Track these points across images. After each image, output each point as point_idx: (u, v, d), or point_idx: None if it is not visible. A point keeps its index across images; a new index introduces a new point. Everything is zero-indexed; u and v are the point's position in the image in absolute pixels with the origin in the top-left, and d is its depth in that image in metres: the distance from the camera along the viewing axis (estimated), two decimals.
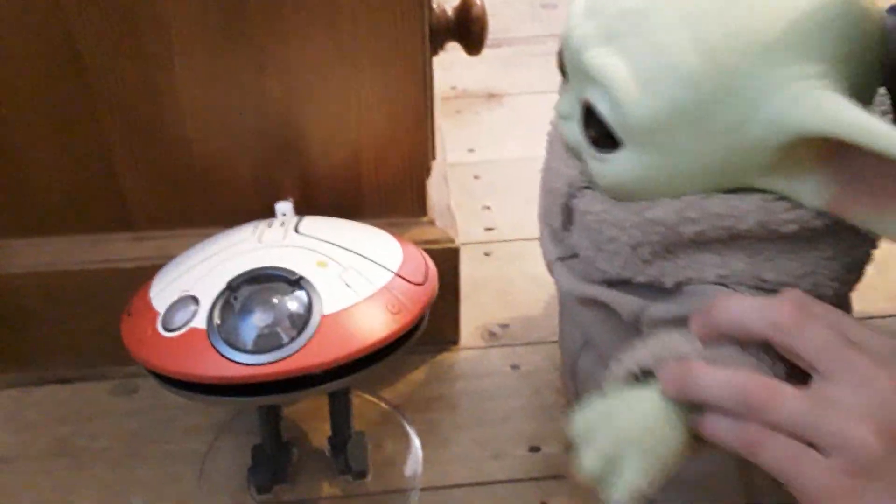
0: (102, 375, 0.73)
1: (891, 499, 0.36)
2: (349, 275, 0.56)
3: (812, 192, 0.42)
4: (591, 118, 0.46)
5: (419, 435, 0.69)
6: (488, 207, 0.91)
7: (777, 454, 0.38)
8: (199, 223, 0.68)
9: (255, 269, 0.55)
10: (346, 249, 0.58)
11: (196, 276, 0.57)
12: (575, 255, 0.53)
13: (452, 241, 0.70)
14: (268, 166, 0.67)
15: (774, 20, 0.41)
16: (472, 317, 0.78)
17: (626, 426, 0.43)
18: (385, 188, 0.69)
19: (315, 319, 0.53)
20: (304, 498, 0.65)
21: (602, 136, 0.46)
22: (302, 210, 0.66)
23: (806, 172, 0.42)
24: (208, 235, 0.63)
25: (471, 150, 0.98)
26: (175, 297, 0.55)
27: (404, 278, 0.58)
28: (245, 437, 0.68)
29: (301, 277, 0.55)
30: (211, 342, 0.53)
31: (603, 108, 0.45)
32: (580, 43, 0.46)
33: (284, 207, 0.64)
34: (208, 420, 0.70)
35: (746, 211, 0.43)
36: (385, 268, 0.58)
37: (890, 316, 0.79)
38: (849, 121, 0.38)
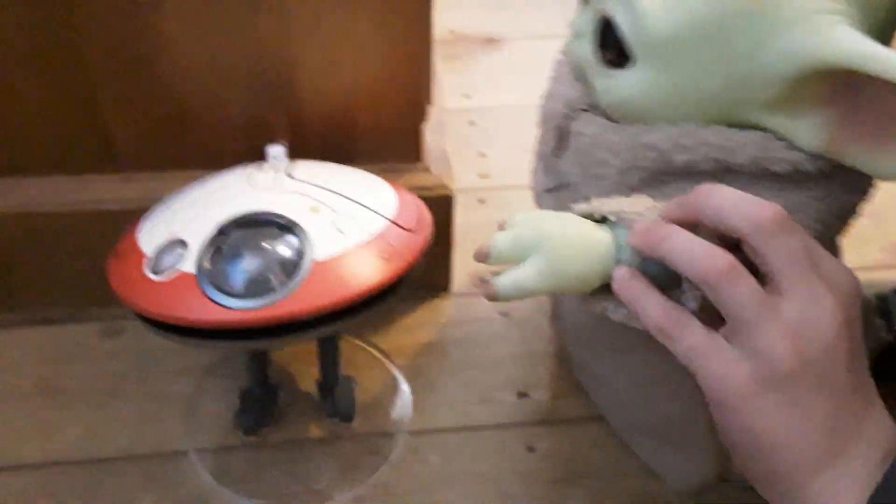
0: (88, 317, 0.72)
1: (786, 407, 0.38)
2: (342, 221, 0.55)
3: (811, 131, 0.43)
4: (606, 33, 0.46)
5: (407, 380, 0.69)
6: (483, 154, 0.90)
7: (692, 343, 0.39)
8: (186, 165, 0.67)
9: (245, 214, 0.54)
10: (339, 195, 0.57)
11: (185, 219, 0.56)
12: (563, 186, 0.53)
13: (447, 188, 0.70)
14: (259, 108, 0.65)
15: None
16: (464, 264, 0.78)
17: (549, 229, 0.45)
18: (380, 133, 0.68)
19: (306, 265, 0.53)
20: (291, 439, 0.65)
21: (614, 52, 0.46)
22: (294, 154, 0.64)
23: (807, 111, 0.43)
24: (196, 178, 0.61)
25: (467, 96, 0.97)
26: (163, 240, 0.54)
27: (398, 225, 0.57)
28: (232, 379, 0.67)
29: (292, 223, 0.54)
30: (200, 286, 0.52)
31: (622, 21, 0.45)
32: None
33: (276, 151, 0.62)
34: (194, 362, 0.69)
35: (743, 144, 0.44)
36: (379, 214, 0.57)
37: (886, 267, 0.79)
38: (866, 53, 0.39)
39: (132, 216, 0.61)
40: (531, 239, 0.45)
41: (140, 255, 0.54)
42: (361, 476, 0.62)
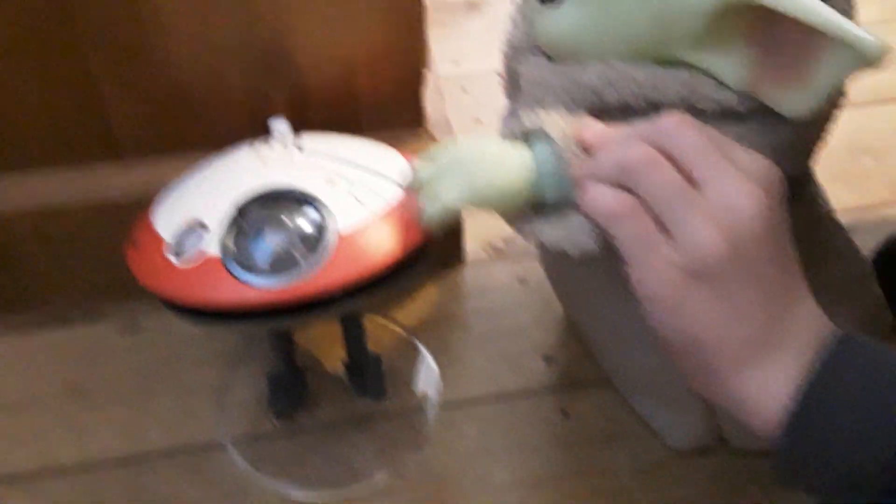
0: (104, 314, 0.71)
1: (715, 301, 0.39)
2: (360, 191, 0.54)
3: (734, 69, 0.43)
4: None
5: (433, 354, 0.68)
6: (479, 120, 0.89)
7: (633, 231, 0.40)
8: (189, 147, 0.65)
9: (262, 191, 0.53)
10: (353, 165, 0.56)
11: (201, 200, 0.54)
12: None
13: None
14: (258, 82, 0.64)
15: None
16: (476, 233, 0.77)
17: (466, 147, 0.48)
18: (381, 100, 0.67)
19: (330, 238, 0.52)
20: (324, 422, 0.64)
21: None
22: (297, 127, 0.63)
23: (731, 48, 0.43)
24: (199, 160, 0.60)
25: (455, 62, 0.96)
26: (182, 224, 0.53)
27: None
28: (258, 366, 0.66)
29: (311, 196, 0.53)
30: (226, 268, 0.51)
31: None
32: None
33: (280, 124, 0.61)
34: (217, 353, 0.68)
35: (670, 83, 0.44)
36: (395, 182, 0.57)
37: (892, 204, 0.78)
38: None
39: (139, 205, 0.59)
40: (449, 159, 0.48)
41: (159, 241, 0.53)
42: (400, 453, 0.62)
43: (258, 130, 0.61)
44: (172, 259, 0.52)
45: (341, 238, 0.52)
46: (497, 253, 0.77)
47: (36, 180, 0.66)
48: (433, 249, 0.58)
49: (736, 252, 0.38)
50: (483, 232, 0.77)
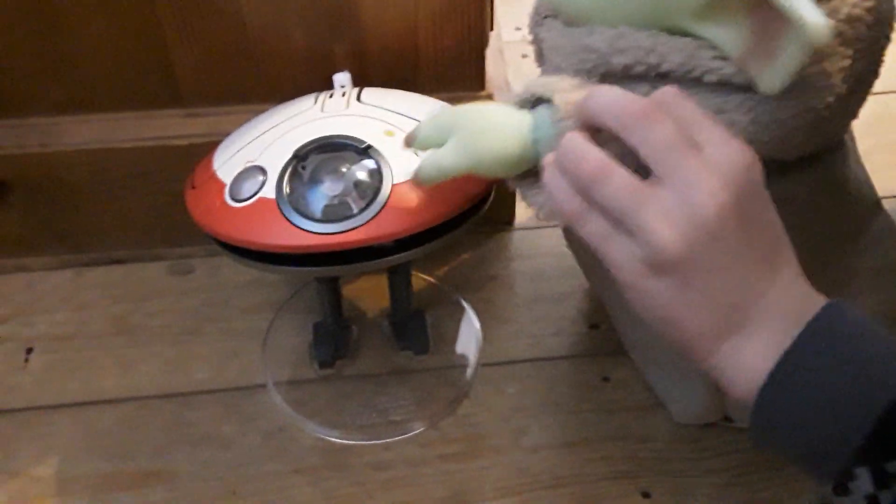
0: (156, 256, 0.72)
1: (679, 289, 0.39)
2: None
3: (734, 41, 0.43)
4: None
5: (477, 314, 0.68)
6: None
7: (593, 230, 0.41)
8: (250, 99, 0.66)
9: (322, 138, 0.54)
10: (413, 119, 0.56)
11: (260, 146, 0.55)
12: None
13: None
14: (321, 39, 0.64)
15: None
16: None
17: (466, 111, 0.49)
18: (443, 60, 0.66)
19: (386, 189, 0.52)
20: (366, 372, 0.65)
21: None
22: (357, 85, 0.63)
23: (732, 22, 0.43)
24: (260, 112, 0.61)
25: (518, 29, 0.95)
26: (241, 168, 0.54)
27: None
28: (304, 315, 0.67)
29: (369, 146, 0.53)
30: (281, 211, 0.51)
31: None
32: None
33: (342, 78, 0.61)
34: (265, 300, 0.69)
35: (672, 50, 0.45)
36: None
37: None
38: None
39: (198, 152, 0.60)
40: (449, 121, 0.49)
41: (220, 184, 0.54)
42: (439, 407, 0.62)
43: (320, 86, 0.62)
44: (229, 200, 0.53)
45: (396, 188, 0.52)
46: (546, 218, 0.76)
47: (98, 122, 0.67)
48: (485, 209, 0.58)
49: (693, 248, 0.38)
50: None
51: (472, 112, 0.49)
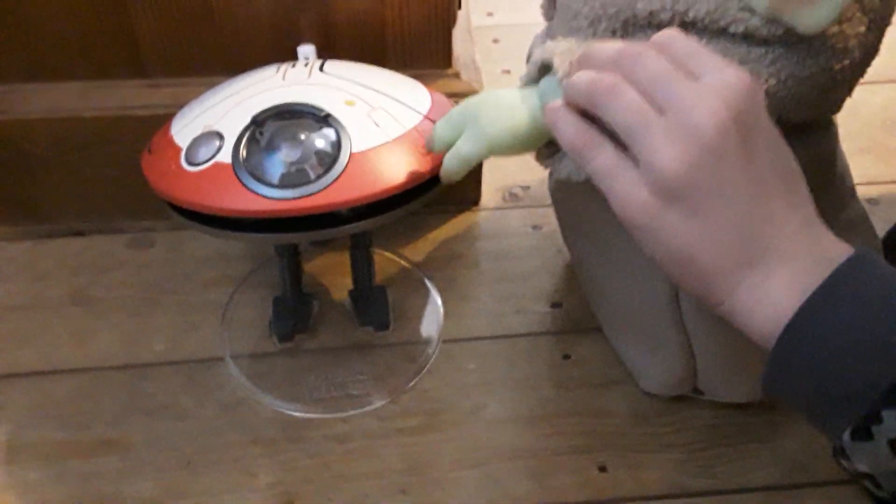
0: (117, 229, 0.72)
1: (688, 218, 0.39)
2: (378, 114, 0.54)
3: None
4: None
5: (440, 291, 0.68)
6: (508, 71, 0.89)
7: (601, 163, 0.41)
8: (214, 70, 0.65)
9: (281, 105, 0.53)
10: (375, 90, 0.56)
11: (219, 112, 0.54)
12: None
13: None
14: (287, 10, 0.64)
15: None
16: (494, 178, 0.77)
17: (476, 100, 0.51)
18: (410, 36, 0.66)
19: (343, 157, 0.52)
20: (326, 347, 0.64)
21: None
22: (322, 57, 0.63)
23: None
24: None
25: (490, 14, 0.96)
26: (198, 133, 0.54)
27: (433, 121, 0.56)
28: (265, 290, 0.67)
29: (329, 115, 0.53)
30: (237, 176, 0.51)
31: None
32: None
33: (307, 50, 0.61)
34: (226, 273, 0.69)
35: None
36: (414, 110, 0.56)
37: None
38: None
39: (159, 123, 0.60)
40: (461, 115, 0.51)
41: (176, 148, 0.54)
42: (398, 382, 0.62)
43: (285, 58, 0.61)
44: (185, 165, 0.52)
45: (354, 157, 0.52)
46: (514, 199, 0.76)
47: (58, 91, 0.66)
48: (445, 194, 0.58)
49: (696, 168, 0.38)
50: (501, 178, 0.77)
51: (479, 99, 0.51)
